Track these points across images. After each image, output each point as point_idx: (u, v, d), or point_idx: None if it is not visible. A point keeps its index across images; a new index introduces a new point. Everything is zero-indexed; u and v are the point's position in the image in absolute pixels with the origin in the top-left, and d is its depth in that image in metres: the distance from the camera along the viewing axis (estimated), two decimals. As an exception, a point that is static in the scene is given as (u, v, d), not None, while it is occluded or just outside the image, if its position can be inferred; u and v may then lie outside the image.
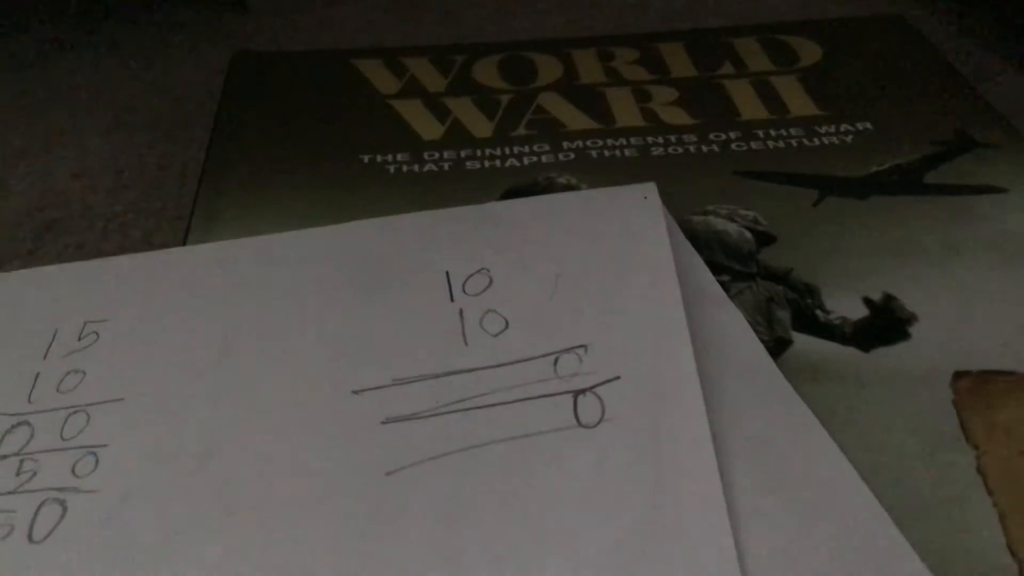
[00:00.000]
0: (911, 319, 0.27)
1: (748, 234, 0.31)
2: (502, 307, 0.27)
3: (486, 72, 0.41)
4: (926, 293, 0.28)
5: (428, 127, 0.37)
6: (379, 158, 0.35)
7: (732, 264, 0.30)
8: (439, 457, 0.23)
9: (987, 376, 0.26)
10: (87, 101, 0.43)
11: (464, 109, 0.38)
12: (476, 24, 0.48)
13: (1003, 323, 0.27)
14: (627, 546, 0.21)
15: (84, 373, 0.26)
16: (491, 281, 0.28)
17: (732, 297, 0.28)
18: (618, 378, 0.24)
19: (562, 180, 0.34)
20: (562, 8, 0.49)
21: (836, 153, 0.35)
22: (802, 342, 0.27)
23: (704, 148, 0.35)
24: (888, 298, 0.28)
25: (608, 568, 0.21)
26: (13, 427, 0.25)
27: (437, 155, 0.35)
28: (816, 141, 0.36)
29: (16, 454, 0.24)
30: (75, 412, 0.25)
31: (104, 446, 0.24)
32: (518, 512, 0.22)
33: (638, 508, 0.22)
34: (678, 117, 0.37)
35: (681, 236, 0.30)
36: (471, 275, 0.28)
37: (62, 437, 0.24)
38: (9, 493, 0.23)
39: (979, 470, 0.23)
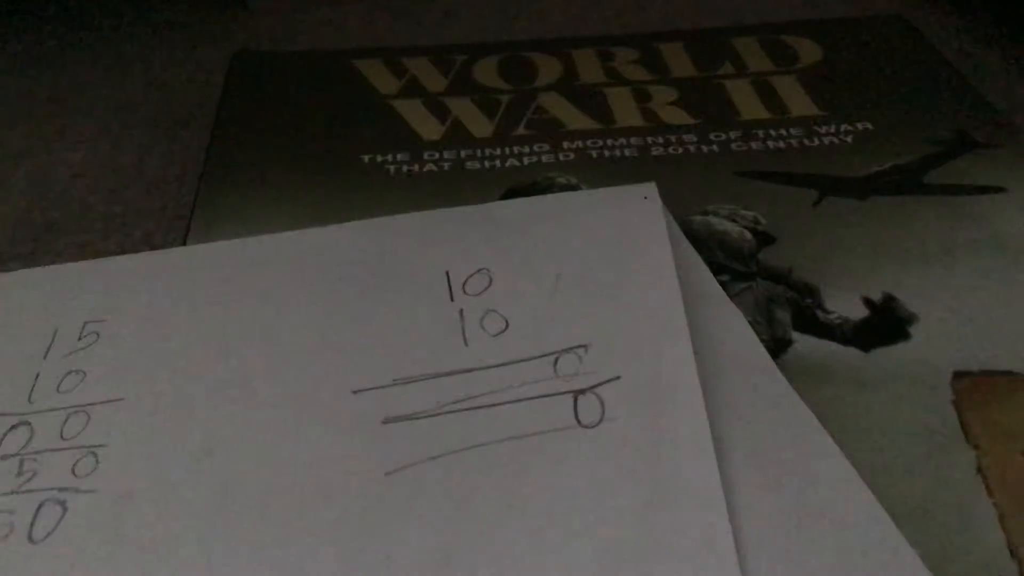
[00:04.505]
0: (911, 319, 0.27)
1: (748, 234, 0.31)
2: (502, 307, 0.27)
3: (486, 72, 0.41)
4: (926, 293, 0.28)
5: (428, 127, 0.37)
6: (379, 158, 0.35)
7: (732, 264, 0.30)
8: (439, 457, 0.23)
9: (987, 376, 0.26)
10: (87, 101, 0.43)
11: (464, 109, 0.38)
12: (476, 24, 0.48)
13: (1003, 323, 0.27)
14: (627, 546, 0.21)
15: (84, 373, 0.26)
16: (491, 281, 0.28)
17: (732, 297, 0.28)
18: (618, 378, 0.24)
19: (562, 180, 0.34)
20: (562, 8, 0.49)
21: (836, 153, 0.35)
22: (802, 342, 0.27)
23: (704, 148, 0.35)
24: (888, 298, 0.28)
25: (608, 568, 0.21)
26: (13, 427, 0.25)
27: (437, 155, 0.35)
28: (816, 141, 0.36)
29: (16, 454, 0.24)
30: (75, 412, 0.25)
31: (104, 446, 0.24)
32: (518, 512, 0.22)
33: (638, 508, 0.22)
34: (678, 117, 0.37)
35: (681, 236, 0.30)
36: (471, 275, 0.28)
37: (62, 437, 0.24)
38: (9, 493, 0.23)
39: (979, 470, 0.23)
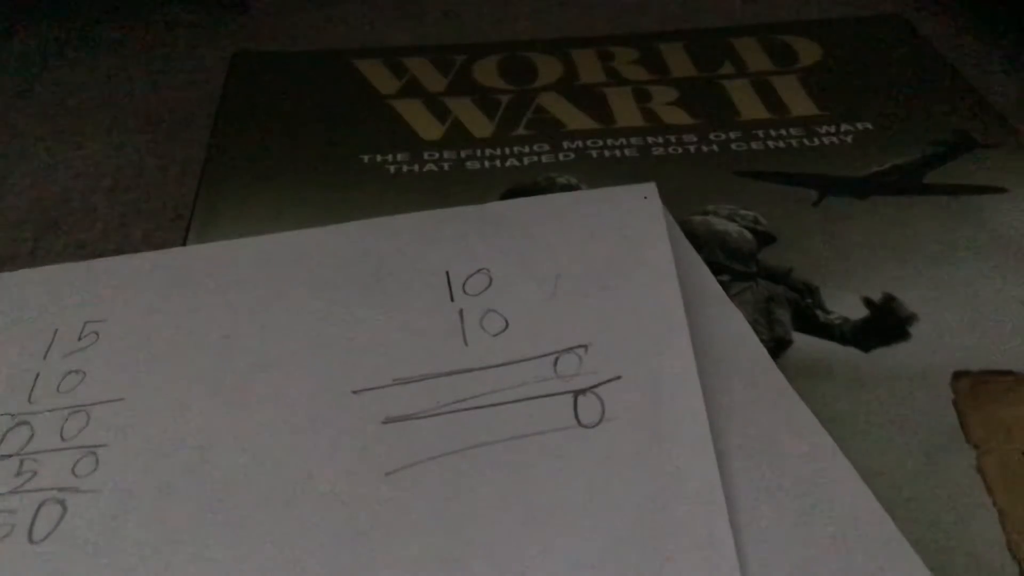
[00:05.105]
0: (911, 319, 0.27)
1: (748, 234, 0.31)
2: (502, 307, 0.27)
3: (486, 72, 0.41)
4: (926, 293, 0.28)
5: (428, 127, 0.37)
6: (379, 158, 0.35)
7: (732, 264, 0.30)
8: (439, 457, 0.23)
9: (987, 376, 0.26)
10: (87, 101, 0.43)
11: (464, 109, 0.38)
12: (476, 24, 0.48)
13: (1003, 323, 0.27)
14: (627, 546, 0.21)
15: (84, 373, 0.26)
16: (491, 281, 0.28)
17: (732, 297, 0.28)
18: (618, 378, 0.24)
19: (562, 180, 0.34)
20: (562, 8, 0.49)
21: (836, 153, 0.35)
22: (802, 342, 0.27)
23: (704, 148, 0.35)
24: (888, 298, 0.28)
25: (608, 568, 0.21)
26: (13, 427, 0.25)
27: (437, 155, 0.35)
28: (816, 141, 0.36)
29: (16, 454, 0.24)
30: (75, 412, 0.25)
31: (104, 446, 0.24)
32: (518, 512, 0.22)
33: (638, 508, 0.22)
34: (678, 117, 0.37)
35: (681, 236, 0.30)
36: (471, 275, 0.28)
37: (62, 437, 0.24)
38: (9, 493, 0.23)
39: (979, 470, 0.23)
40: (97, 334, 0.27)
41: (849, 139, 0.36)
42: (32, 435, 0.24)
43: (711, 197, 0.32)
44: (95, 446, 0.24)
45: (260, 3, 0.50)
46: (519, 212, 0.31)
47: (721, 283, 0.28)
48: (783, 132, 0.36)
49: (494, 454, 0.23)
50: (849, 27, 0.44)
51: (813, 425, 0.24)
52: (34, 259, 0.33)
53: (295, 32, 0.48)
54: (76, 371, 0.26)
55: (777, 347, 0.27)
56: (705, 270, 0.28)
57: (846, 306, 0.28)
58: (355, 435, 0.24)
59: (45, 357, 0.26)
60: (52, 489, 0.23)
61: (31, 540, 0.22)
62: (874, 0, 0.48)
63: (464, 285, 0.28)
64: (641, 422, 0.23)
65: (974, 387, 0.25)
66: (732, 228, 0.31)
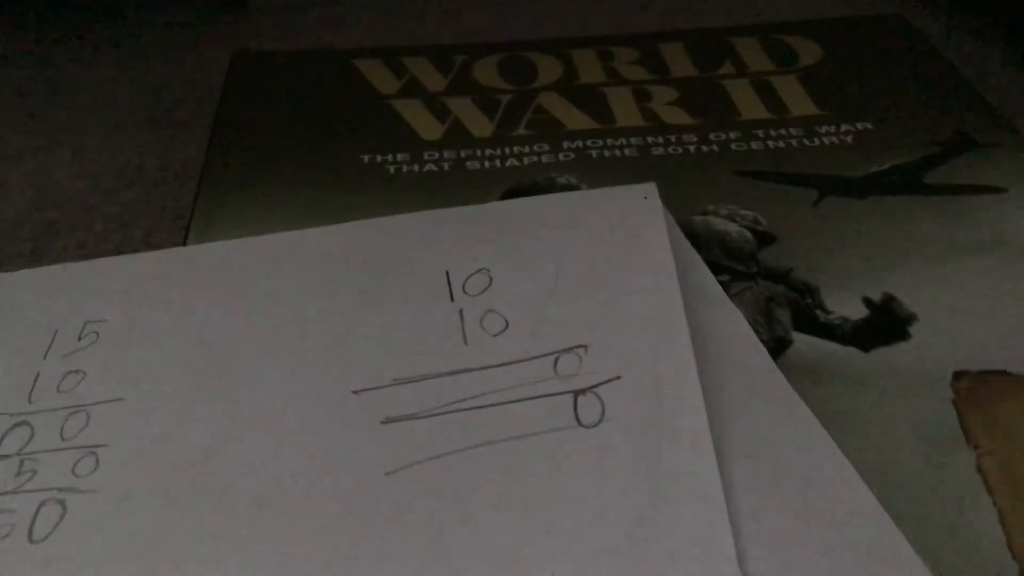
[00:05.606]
0: (911, 319, 0.27)
1: (748, 234, 0.31)
2: (502, 307, 0.27)
3: (486, 72, 0.41)
4: (926, 293, 0.28)
5: (428, 127, 0.37)
6: (379, 158, 0.35)
7: (732, 264, 0.30)
8: (439, 457, 0.23)
9: (987, 376, 0.26)
10: (87, 101, 0.43)
11: (464, 109, 0.38)
12: (476, 24, 0.48)
13: (1003, 323, 0.27)
14: (627, 546, 0.21)
15: (84, 373, 0.26)
16: (491, 281, 0.28)
17: (732, 297, 0.28)
18: (618, 378, 0.24)
19: (562, 180, 0.34)
20: (562, 8, 0.49)
21: (836, 153, 0.35)
22: (802, 342, 0.27)
23: (704, 148, 0.35)
24: (888, 298, 0.28)
25: (608, 568, 0.21)
26: (13, 427, 0.25)
27: (437, 155, 0.35)
28: (816, 141, 0.36)
29: (16, 454, 0.24)
30: (75, 412, 0.25)
31: (104, 446, 0.24)
32: (518, 512, 0.22)
33: (638, 508, 0.22)
34: (678, 117, 0.37)
35: (681, 236, 0.30)
36: (471, 275, 0.28)
37: (62, 437, 0.24)
38: (9, 493, 0.23)
39: (979, 470, 0.23)
40: (97, 334, 0.27)
41: (849, 139, 0.36)
42: (32, 435, 0.24)
43: (711, 197, 0.32)
44: (95, 446, 0.24)
45: (260, 3, 0.50)
46: (519, 212, 0.31)
47: (721, 283, 0.28)
48: (783, 132, 0.36)
49: (494, 454, 0.23)
50: (849, 27, 0.44)
51: (813, 425, 0.24)
52: (34, 259, 0.33)
53: (295, 32, 0.48)
54: (76, 371, 0.26)
55: (777, 347, 0.27)
56: (705, 270, 0.28)
57: (846, 306, 0.28)
58: (355, 435, 0.24)
59: (45, 357, 0.26)
60: (52, 489, 0.23)
61: (31, 540, 0.22)
62: (874, 0, 0.48)
63: (464, 285, 0.28)
64: (641, 422, 0.23)
65: (974, 387, 0.25)
66: (732, 228, 0.31)
